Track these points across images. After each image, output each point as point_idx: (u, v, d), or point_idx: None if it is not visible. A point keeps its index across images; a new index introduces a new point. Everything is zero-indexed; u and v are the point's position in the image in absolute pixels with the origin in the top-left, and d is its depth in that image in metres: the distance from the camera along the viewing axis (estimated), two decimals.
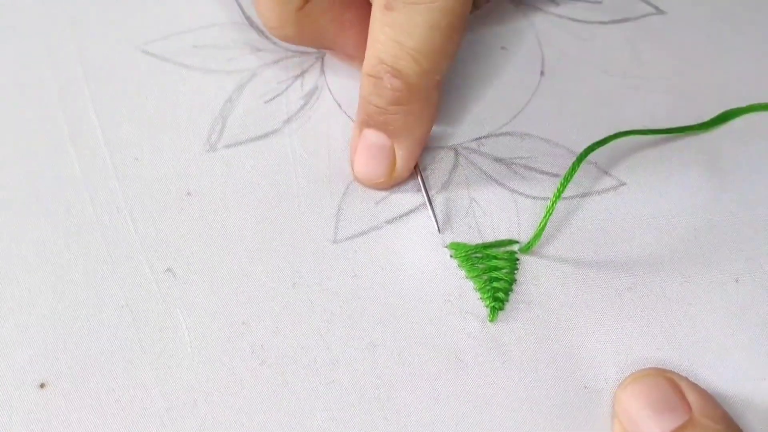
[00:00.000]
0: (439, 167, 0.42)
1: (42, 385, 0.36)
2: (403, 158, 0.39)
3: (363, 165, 0.40)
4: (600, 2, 0.48)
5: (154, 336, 0.37)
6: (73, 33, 0.45)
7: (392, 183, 0.40)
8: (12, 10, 0.46)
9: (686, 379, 0.35)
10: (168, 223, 0.40)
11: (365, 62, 0.37)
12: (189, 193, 0.40)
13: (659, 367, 0.36)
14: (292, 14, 0.40)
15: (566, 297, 0.38)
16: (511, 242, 0.39)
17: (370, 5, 0.38)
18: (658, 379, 0.35)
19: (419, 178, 0.40)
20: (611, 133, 0.42)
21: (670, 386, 0.34)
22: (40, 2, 0.46)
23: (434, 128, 0.42)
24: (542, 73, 0.45)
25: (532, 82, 0.45)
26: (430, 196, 0.40)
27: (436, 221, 0.40)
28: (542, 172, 0.42)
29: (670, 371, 0.36)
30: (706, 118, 0.44)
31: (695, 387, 0.35)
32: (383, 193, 0.41)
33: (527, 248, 0.39)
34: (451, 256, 0.39)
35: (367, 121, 0.39)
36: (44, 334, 0.37)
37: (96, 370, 0.36)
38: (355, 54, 0.42)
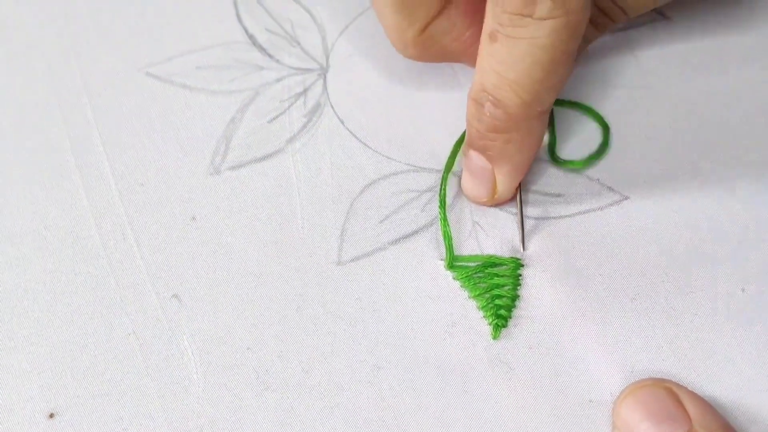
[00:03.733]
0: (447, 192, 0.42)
1: (51, 415, 0.36)
2: (502, 183, 0.39)
3: (467, 183, 0.40)
4: None
5: (161, 363, 0.37)
6: (76, 57, 0.46)
7: (494, 203, 0.41)
8: (13, 34, 0.46)
9: (685, 388, 0.35)
10: (173, 249, 0.40)
11: (471, 86, 0.38)
12: (194, 218, 0.41)
13: (662, 378, 0.36)
14: (414, 38, 0.40)
15: (569, 311, 0.38)
16: (514, 260, 0.39)
17: None
18: (656, 390, 0.35)
19: (518, 197, 0.40)
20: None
21: (669, 396, 0.34)
22: (41, 26, 0.47)
23: (439, 148, 0.43)
24: None
25: None
26: (524, 215, 0.40)
27: (522, 241, 0.40)
28: (544, 194, 0.41)
29: (669, 381, 0.36)
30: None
31: (694, 396, 0.34)
32: (387, 212, 0.41)
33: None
34: (445, 267, 0.39)
35: (470, 143, 0.39)
36: (53, 363, 0.37)
37: (104, 399, 0.36)
38: None
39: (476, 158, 0.39)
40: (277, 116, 0.44)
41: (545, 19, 0.34)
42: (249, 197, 0.41)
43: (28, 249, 0.40)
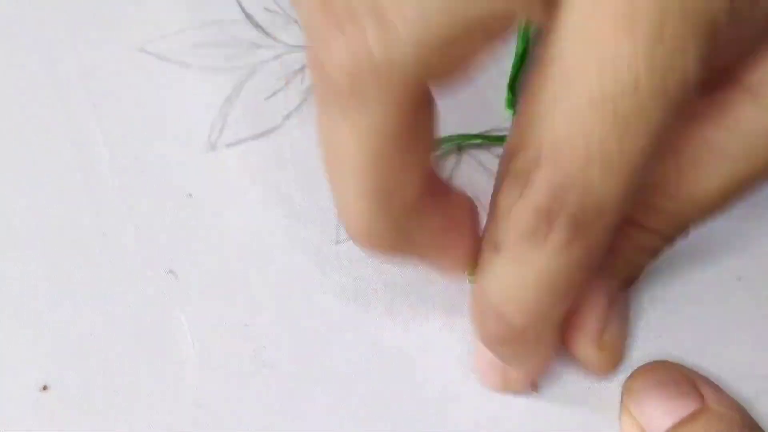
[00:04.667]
0: (441, 163, 0.41)
1: (44, 388, 0.36)
2: (517, 381, 0.36)
3: (481, 374, 0.36)
4: None
5: (156, 338, 0.37)
6: (69, 34, 0.45)
7: (507, 391, 0.37)
8: (5, 12, 0.46)
9: (695, 371, 0.35)
10: (169, 225, 0.40)
11: (473, 288, 0.32)
12: (190, 195, 0.40)
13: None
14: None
15: None
16: None
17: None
18: (667, 367, 0.35)
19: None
20: None
21: (681, 374, 0.34)
22: (34, 3, 0.46)
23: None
24: None
25: None
26: None
27: None
28: None
29: (679, 364, 0.35)
30: None
31: (706, 378, 0.34)
32: None
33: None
34: None
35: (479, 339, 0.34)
36: (45, 336, 0.37)
37: (98, 373, 0.36)
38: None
39: (486, 351, 0.34)
40: (274, 93, 0.44)
41: (561, 248, 0.27)
42: (246, 174, 0.41)
43: (20, 224, 0.39)
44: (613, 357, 0.36)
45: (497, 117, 0.43)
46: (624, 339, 0.37)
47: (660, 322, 0.38)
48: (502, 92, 0.43)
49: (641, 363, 0.36)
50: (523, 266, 0.28)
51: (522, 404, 0.36)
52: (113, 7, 0.46)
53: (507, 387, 0.36)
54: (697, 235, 0.39)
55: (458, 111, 0.43)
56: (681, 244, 0.38)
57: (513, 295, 0.29)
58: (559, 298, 0.29)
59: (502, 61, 0.44)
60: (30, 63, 0.44)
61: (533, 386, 0.37)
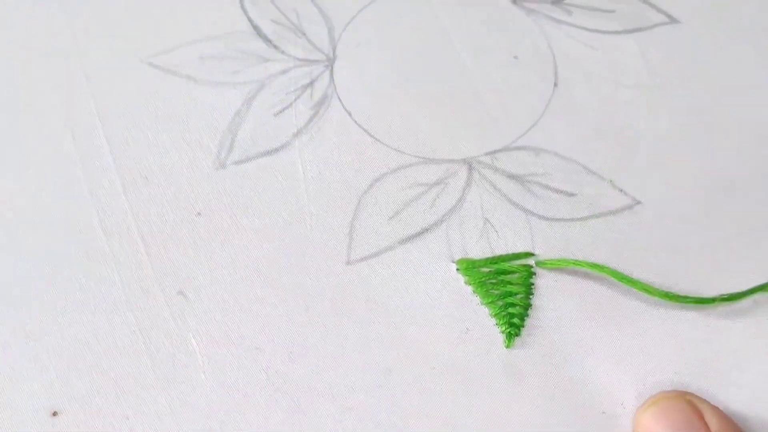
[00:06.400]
0: (452, 182, 0.41)
1: (54, 413, 0.35)
2: None
3: None
4: (613, 11, 0.47)
5: (167, 361, 0.37)
6: (77, 47, 0.44)
7: None
8: (14, 24, 0.45)
9: (706, 402, 0.35)
10: (178, 245, 0.39)
11: None
12: (199, 213, 0.40)
13: (684, 390, 0.36)
14: None
15: (582, 321, 0.38)
16: (526, 255, 0.39)
17: None
18: (677, 402, 0.35)
19: None
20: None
21: (690, 409, 0.34)
22: (42, 16, 0.45)
23: (446, 139, 0.42)
24: (555, 84, 0.44)
25: (546, 93, 0.44)
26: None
27: None
28: (556, 191, 0.41)
29: (690, 393, 0.36)
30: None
31: (716, 410, 0.34)
32: (396, 207, 0.40)
33: (543, 264, 0.39)
34: (456, 270, 0.39)
35: None
36: (56, 360, 0.36)
37: (109, 397, 0.36)
38: None
39: None
40: (283, 109, 0.43)
41: None
42: (255, 193, 0.41)
43: (30, 244, 0.39)
44: None
45: (505, 136, 0.43)
46: None
47: (676, 344, 0.38)
48: (510, 110, 0.43)
49: (656, 390, 0.37)
50: None
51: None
52: (119, 20, 0.45)
53: None
54: (712, 255, 0.39)
55: (468, 129, 0.42)
56: (698, 261, 0.38)
57: None
58: None
59: (509, 78, 0.44)
60: (36, 78, 0.43)
61: None
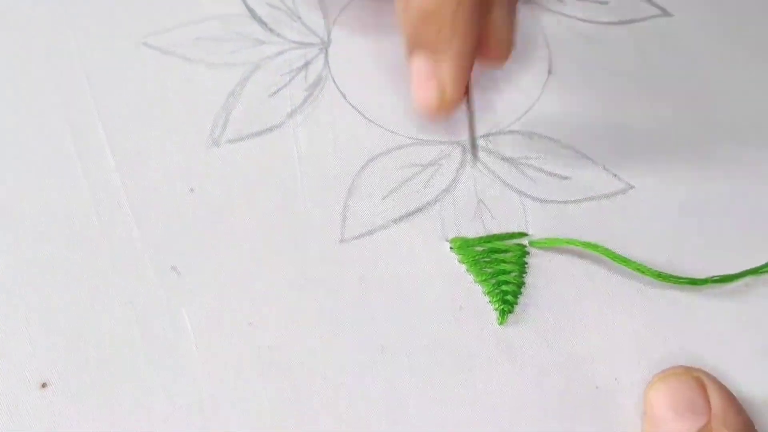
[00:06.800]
0: (446, 163, 0.41)
1: (43, 385, 0.35)
2: (449, 76, 0.37)
3: (416, 92, 0.38)
4: (606, 3, 0.48)
5: (159, 335, 0.36)
6: (72, 27, 0.44)
7: (447, 107, 0.38)
8: (9, 5, 0.45)
9: (714, 380, 0.35)
10: (171, 220, 0.39)
11: None
12: (192, 190, 0.40)
13: (692, 366, 0.36)
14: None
15: (575, 299, 0.38)
16: (520, 234, 0.39)
17: None
18: (684, 379, 0.35)
19: (468, 98, 0.40)
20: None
21: (696, 386, 0.34)
22: None
23: (441, 123, 0.42)
24: (550, 71, 0.45)
25: (540, 81, 0.45)
26: (474, 114, 0.40)
27: (473, 146, 0.40)
28: (550, 174, 0.41)
29: (699, 370, 0.36)
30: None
31: (721, 389, 0.35)
32: (390, 186, 0.40)
33: (537, 243, 0.39)
34: (450, 248, 0.39)
35: (409, 46, 0.38)
36: (45, 332, 0.36)
37: (99, 370, 0.35)
38: None
39: (418, 61, 0.38)
40: (277, 90, 0.43)
41: None
42: (249, 171, 0.41)
43: (21, 218, 0.39)
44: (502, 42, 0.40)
45: (500, 120, 0.43)
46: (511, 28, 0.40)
47: (669, 326, 0.38)
48: (505, 96, 0.44)
49: (650, 366, 0.37)
50: None
51: (527, 414, 0.36)
52: (116, 1, 0.45)
53: (444, 97, 0.38)
54: (705, 241, 0.39)
55: (462, 112, 0.43)
56: (691, 246, 0.38)
57: None
58: None
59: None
60: (31, 57, 0.43)
61: (466, 93, 0.39)
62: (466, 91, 0.39)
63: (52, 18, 0.44)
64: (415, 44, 0.38)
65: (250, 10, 0.46)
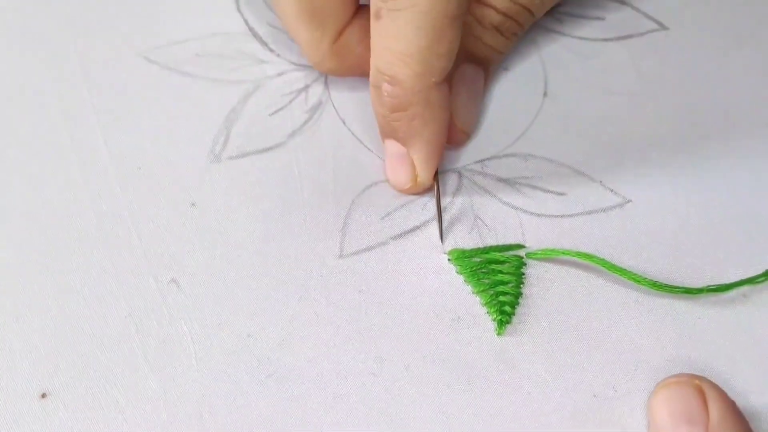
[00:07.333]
0: (442, 190, 0.42)
1: (43, 395, 0.35)
2: (420, 164, 0.40)
3: (388, 172, 0.41)
4: (603, 19, 0.48)
5: (158, 347, 0.36)
6: (75, 40, 0.45)
7: (419, 189, 0.41)
8: (12, 19, 0.46)
9: (716, 387, 0.35)
10: (172, 234, 0.39)
11: (370, 74, 0.38)
12: (193, 204, 0.40)
13: (694, 374, 0.36)
14: (328, 49, 0.42)
15: (572, 309, 0.38)
16: (517, 246, 0.40)
17: None
18: (685, 388, 0.35)
19: (436, 186, 0.41)
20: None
21: (696, 395, 0.34)
22: (41, 10, 0.46)
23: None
24: (545, 94, 0.45)
25: (535, 104, 0.45)
26: (441, 206, 0.40)
27: (441, 233, 0.40)
28: (547, 191, 0.42)
29: (701, 377, 0.35)
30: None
31: (721, 397, 0.34)
32: (389, 209, 0.41)
33: (534, 254, 0.39)
34: (448, 260, 0.39)
35: (381, 131, 0.40)
36: (46, 343, 0.36)
37: (99, 381, 0.36)
38: None
39: (391, 145, 0.40)
40: (278, 110, 0.44)
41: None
42: (250, 187, 0.41)
43: (24, 231, 0.39)
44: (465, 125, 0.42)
45: (494, 146, 0.44)
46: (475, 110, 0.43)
47: (667, 336, 0.38)
48: (500, 121, 0.44)
49: (647, 375, 0.37)
50: (398, 15, 0.35)
51: (525, 424, 0.36)
52: (117, 14, 0.46)
53: (416, 180, 0.40)
54: (702, 253, 0.39)
55: None
56: (688, 258, 0.38)
57: (396, 47, 0.36)
58: (433, 41, 0.35)
59: (499, 90, 0.45)
60: (33, 71, 0.44)
61: (435, 178, 0.40)
62: (436, 173, 0.40)
63: (53, 32, 0.45)
64: (388, 134, 0.40)
65: (251, 29, 0.46)
